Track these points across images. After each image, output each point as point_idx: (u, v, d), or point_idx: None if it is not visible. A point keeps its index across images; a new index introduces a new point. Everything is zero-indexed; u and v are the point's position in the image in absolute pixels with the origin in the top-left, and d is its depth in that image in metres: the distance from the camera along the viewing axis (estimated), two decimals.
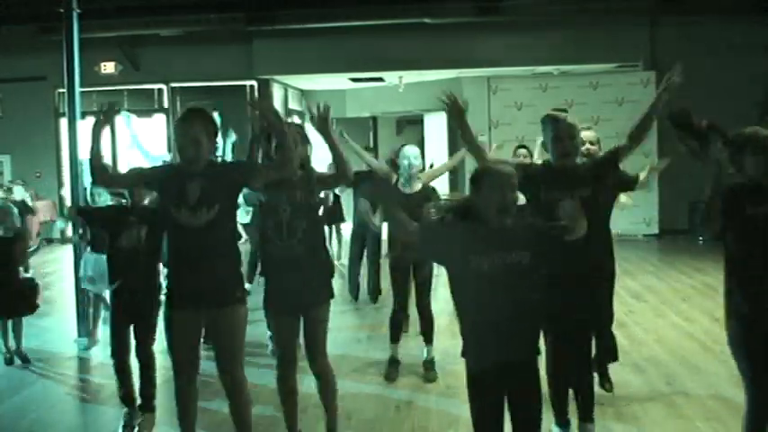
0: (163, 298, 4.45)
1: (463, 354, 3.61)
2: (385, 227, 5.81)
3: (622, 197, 6.28)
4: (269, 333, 6.92)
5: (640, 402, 5.73)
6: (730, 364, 6.46)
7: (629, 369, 6.53)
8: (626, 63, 15.31)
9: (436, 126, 16.99)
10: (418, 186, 6.56)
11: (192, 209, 4.11)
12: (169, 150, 15.81)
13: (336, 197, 11.45)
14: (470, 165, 4.83)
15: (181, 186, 4.14)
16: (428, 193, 6.52)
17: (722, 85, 14.58)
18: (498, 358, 3.50)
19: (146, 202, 5.43)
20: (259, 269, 8.10)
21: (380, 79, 16.91)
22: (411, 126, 18.53)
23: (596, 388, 5.34)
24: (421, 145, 17.52)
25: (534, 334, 3.65)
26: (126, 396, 5.36)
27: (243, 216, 10.49)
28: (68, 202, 8.36)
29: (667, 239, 14.68)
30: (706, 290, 9.88)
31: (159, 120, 16.24)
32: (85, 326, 7.72)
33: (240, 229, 10.49)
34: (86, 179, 9.30)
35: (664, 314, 8.65)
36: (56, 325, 8.59)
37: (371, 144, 17.94)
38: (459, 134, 4.77)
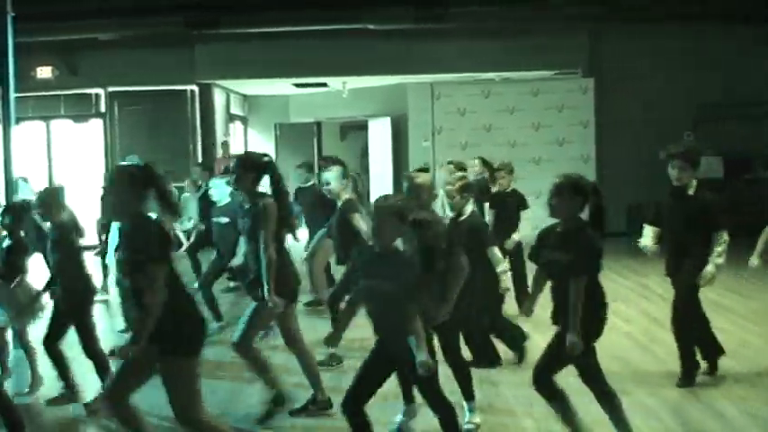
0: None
1: None
2: None
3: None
4: None
5: (578, 402, 5.76)
6: (668, 364, 6.62)
7: (566, 371, 6.57)
8: (566, 70, 15.51)
9: (380, 132, 17.00)
10: None
11: None
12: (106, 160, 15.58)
13: None
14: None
15: None
16: None
17: (659, 93, 14.88)
18: None
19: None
20: None
21: (324, 84, 16.87)
22: (355, 132, 18.53)
23: None
24: (365, 151, 17.58)
25: None
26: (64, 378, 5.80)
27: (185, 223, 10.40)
28: None
29: (606, 243, 14.81)
30: (644, 291, 10.02)
31: (96, 125, 15.96)
32: None
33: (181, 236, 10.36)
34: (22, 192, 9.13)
35: None
36: None
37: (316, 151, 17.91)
38: None
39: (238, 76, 15.86)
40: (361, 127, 17.82)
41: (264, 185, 5.64)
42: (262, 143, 18.38)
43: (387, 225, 4.38)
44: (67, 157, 15.75)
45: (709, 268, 5.94)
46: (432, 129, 15.71)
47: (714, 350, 6.38)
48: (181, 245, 10.05)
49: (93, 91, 15.85)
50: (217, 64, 15.25)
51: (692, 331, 6.21)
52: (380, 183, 16.05)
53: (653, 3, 13.50)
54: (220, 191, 8.39)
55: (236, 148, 17.17)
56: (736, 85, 14.87)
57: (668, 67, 14.78)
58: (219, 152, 15.57)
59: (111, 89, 15.73)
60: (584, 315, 4.59)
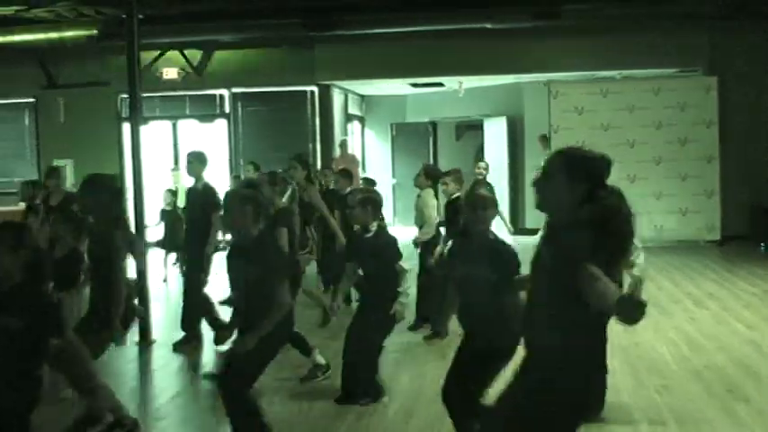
0: None
1: None
2: None
3: None
4: None
5: (700, 409, 5.66)
6: None
7: (690, 376, 6.46)
8: (686, 68, 15.08)
9: (496, 131, 16.94)
10: None
11: None
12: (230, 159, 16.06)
13: None
14: None
15: None
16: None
17: None
18: None
19: None
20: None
21: (440, 84, 16.95)
22: (471, 131, 18.52)
23: None
24: (480, 150, 17.54)
25: None
26: None
27: None
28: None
29: (729, 246, 14.35)
30: None
31: (221, 125, 16.50)
32: None
33: None
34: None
35: (725, 321, 8.50)
36: None
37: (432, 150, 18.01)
38: None
39: (357, 77, 16.11)
40: (477, 126, 17.78)
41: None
42: (378, 143, 18.63)
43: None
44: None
45: None
46: (548, 128, 15.55)
47: None
48: None
49: (217, 92, 16.41)
50: (336, 65, 15.55)
51: None
52: (497, 182, 15.96)
53: None
54: None
55: (354, 148, 17.46)
56: None
57: None
58: (338, 152, 15.86)
59: (234, 90, 16.24)
60: None
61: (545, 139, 14.79)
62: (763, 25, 13.93)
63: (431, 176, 8.50)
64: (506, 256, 4.42)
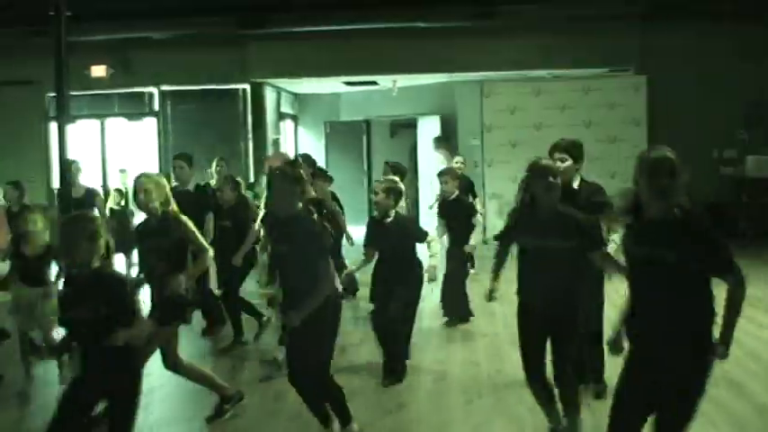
0: None
1: None
2: None
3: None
4: None
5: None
6: None
7: None
8: (617, 67, 15.33)
9: (429, 130, 17.00)
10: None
11: None
12: (159, 158, 15.78)
13: None
14: None
15: None
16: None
17: (711, 90, 14.63)
18: None
19: None
20: None
21: (374, 83, 16.91)
22: (405, 130, 18.54)
23: None
24: (414, 149, 17.59)
25: None
26: None
27: None
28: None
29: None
30: None
31: (150, 123, 16.21)
32: None
33: None
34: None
35: None
36: None
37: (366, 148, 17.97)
38: None
39: (290, 75, 15.97)
40: (411, 125, 17.81)
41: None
42: (312, 141, 18.51)
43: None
44: (121, 155, 16.01)
45: None
46: (481, 127, 15.66)
47: None
48: None
49: (146, 90, 16.10)
50: (269, 63, 15.38)
51: None
52: (429, 181, 16.03)
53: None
54: None
55: (287, 147, 17.32)
56: None
57: (722, 65, 14.49)
58: (270, 151, 15.72)
59: (164, 88, 15.95)
60: None
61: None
62: (691, 25, 14.21)
63: (398, 173, 8.63)
64: (584, 224, 4.70)
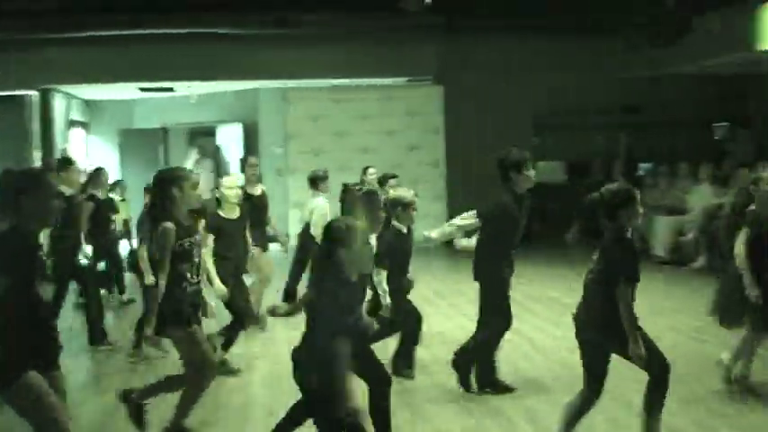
0: None
1: None
2: None
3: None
4: None
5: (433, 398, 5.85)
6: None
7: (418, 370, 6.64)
8: (417, 78, 15.73)
9: (230, 138, 16.71)
10: None
11: None
12: None
13: None
14: None
15: None
16: None
17: (504, 99, 15.32)
18: None
19: None
20: None
21: (171, 89, 16.37)
22: (204, 138, 18.10)
23: None
24: (215, 157, 17.21)
25: None
26: None
27: None
28: None
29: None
30: None
31: None
32: None
33: None
34: None
35: (451, 317, 8.73)
36: None
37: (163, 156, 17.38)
38: None
39: (80, 81, 15.12)
40: (211, 132, 17.43)
41: None
42: (104, 149, 17.66)
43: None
44: None
45: None
46: (284, 135, 15.58)
47: None
48: None
49: None
50: (57, 68, 14.45)
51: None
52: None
53: (501, 13, 13.80)
54: None
55: (78, 156, 16.41)
56: (577, 94, 15.53)
57: (515, 75, 15.20)
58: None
59: None
60: None
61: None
62: (486, 39, 14.79)
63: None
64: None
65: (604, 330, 4.52)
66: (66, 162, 8.74)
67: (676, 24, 12.37)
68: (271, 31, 13.75)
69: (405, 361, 6.67)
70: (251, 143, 16.43)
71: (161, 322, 4.95)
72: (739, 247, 5.90)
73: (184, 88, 16.04)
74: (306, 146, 15.46)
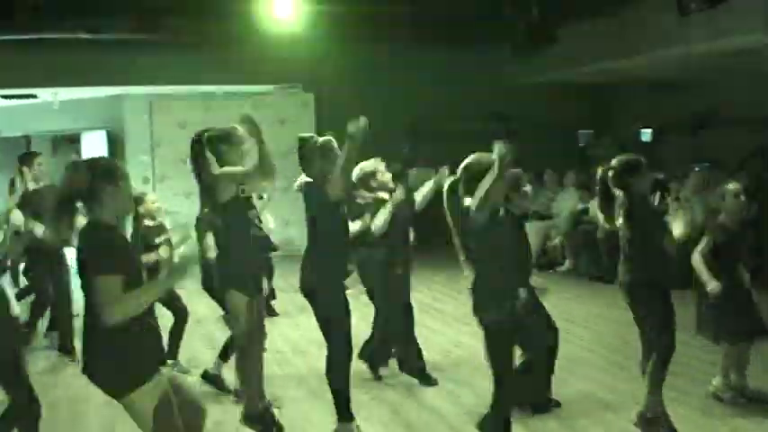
0: None
1: None
2: None
3: None
4: None
5: (305, 412, 5.79)
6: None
7: (294, 382, 6.58)
8: (287, 85, 15.66)
9: (95, 145, 16.24)
10: None
11: None
12: None
13: None
14: None
15: None
16: None
17: (376, 107, 15.36)
18: None
19: None
20: None
21: (34, 96, 15.77)
22: (68, 145, 17.53)
23: None
24: None
25: None
26: None
27: None
28: None
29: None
30: None
31: None
32: None
33: None
34: None
35: None
36: None
37: None
38: None
39: None
40: (75, 140, 16.92)
41: None
42: None
43: None
44: None
45: None
46: (150, 142, 15.24)
47: None
48: None
49: None
50: None
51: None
52: None
53: (373, 22, 13.86)
54: None
55: None
56: (448, 103, 15.76)
57: (386, 84, 15.30)
58: None
59: None
60: None
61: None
62: (355, 49, 14.85)
63: None
64: None
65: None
66: None
67: (542, 35, 12.70)
68: (135, 37, 13.38)
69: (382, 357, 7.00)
70: (116, 151, 15.99)
71: None
72: (696, 253, 5.93)
73: (48, 94, 15.49)
74: (174, 153, 15.15)
